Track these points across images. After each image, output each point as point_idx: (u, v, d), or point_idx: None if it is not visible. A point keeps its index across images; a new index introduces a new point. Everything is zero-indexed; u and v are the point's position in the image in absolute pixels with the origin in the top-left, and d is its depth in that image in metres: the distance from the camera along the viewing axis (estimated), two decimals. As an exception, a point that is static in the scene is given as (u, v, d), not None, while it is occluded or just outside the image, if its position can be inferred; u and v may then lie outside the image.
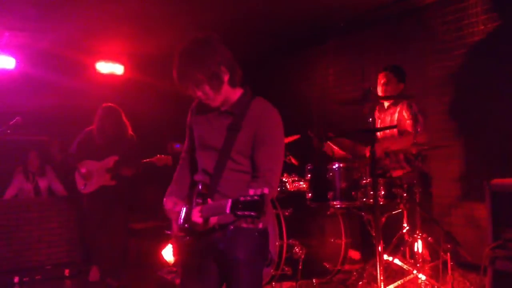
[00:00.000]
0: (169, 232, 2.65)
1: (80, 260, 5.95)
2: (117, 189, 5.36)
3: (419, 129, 4.22)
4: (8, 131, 5.11)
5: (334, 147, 4.70)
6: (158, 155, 5.36)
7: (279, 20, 6.34)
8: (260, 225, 2.33)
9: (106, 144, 5.36)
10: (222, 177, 2.44)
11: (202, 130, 2.57)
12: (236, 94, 2.51)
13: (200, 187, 2.44)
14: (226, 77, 2.42)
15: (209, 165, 2.48)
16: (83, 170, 5.34)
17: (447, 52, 5.35)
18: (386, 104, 4.79)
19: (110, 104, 5.48)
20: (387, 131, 4.64)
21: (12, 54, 6.66)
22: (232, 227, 2.40)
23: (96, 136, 5.39)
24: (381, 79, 4.71)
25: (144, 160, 5.36)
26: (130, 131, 5.51)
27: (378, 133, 4.71)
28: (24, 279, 5.37)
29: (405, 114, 4.56)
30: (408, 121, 4.50)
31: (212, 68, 2.36)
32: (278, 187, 4.71)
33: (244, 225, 2.12)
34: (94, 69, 7.27)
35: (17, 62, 6.72)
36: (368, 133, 3.97)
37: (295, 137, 4.97)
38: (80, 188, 5.44)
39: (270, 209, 2.47)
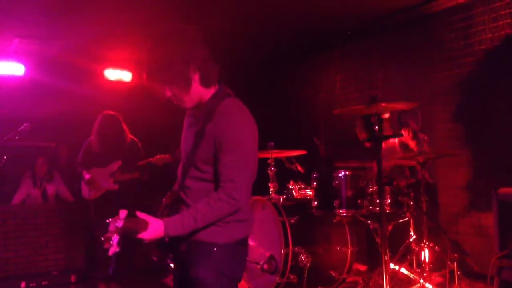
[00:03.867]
0: None
1: (86, 266, 5.95)
2: (120, 193, 5.34)
3: (424, 148, 4.22)
4: (17, 137, 5.16)
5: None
6: (158, 155, 5.33)
7: (287, 27, 6.35)
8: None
9: (107, 151, 5.37)
10: (185, 186, 2.28)
11: (183, 134, 2.42)
12: (208, 94, 2.29)
13: (170, 197, 2.35)
14: (195, 77, 2.22)
15: (180, 173, 2.34)
16: (87, 177, 5.34)
17: (455, 60, 5.34)
18: None
19: (109, 112, 5.48)
20: (389, 144, 4.63)
21: (21, 60, 6.71)
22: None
23: (96, 145, 5.40)
24: None
25: (141, 162, 5.36)
26: (129, 136, 5.51)
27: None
28: (31, 284, 5.38)
29: (408, 132, 4.56)
30: (410, 141, 4.51)
31: (178, 68, 2.17)
32: (285, 195, 4.72)
33: None
34: (103, 76, 7.32)
35: (26, 68, 6.77)
36: (374, 142, 3.94)
37: (302, 152, 4.96)
38: (85, 195, 5.44)
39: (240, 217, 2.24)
